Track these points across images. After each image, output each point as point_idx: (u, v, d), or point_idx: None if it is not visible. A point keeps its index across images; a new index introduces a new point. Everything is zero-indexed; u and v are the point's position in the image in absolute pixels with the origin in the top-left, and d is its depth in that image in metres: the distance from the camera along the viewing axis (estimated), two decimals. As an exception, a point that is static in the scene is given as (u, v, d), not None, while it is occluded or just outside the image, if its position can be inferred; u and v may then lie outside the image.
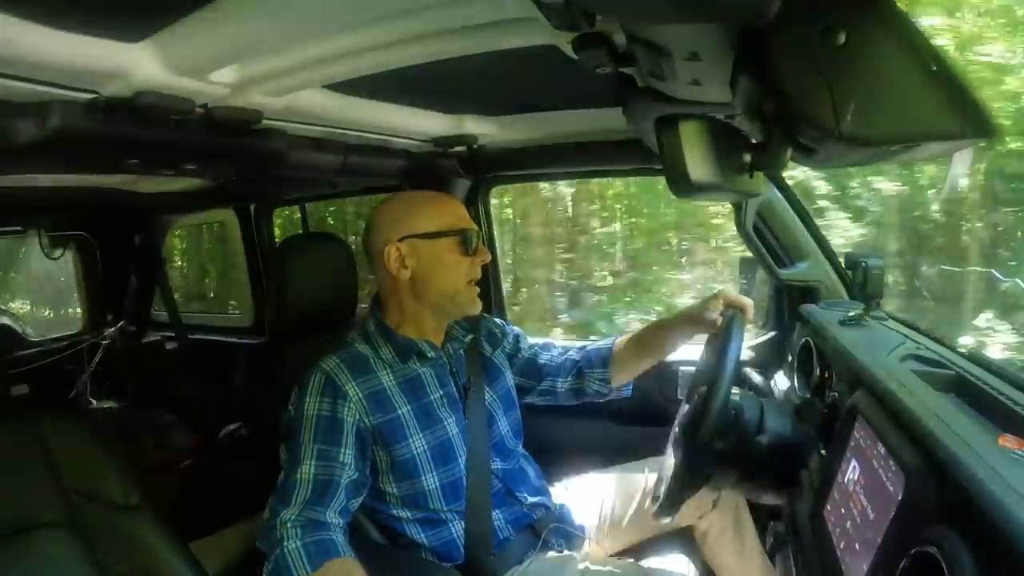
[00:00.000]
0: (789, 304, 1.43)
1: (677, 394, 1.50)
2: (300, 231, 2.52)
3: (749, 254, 1.42)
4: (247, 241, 2.26)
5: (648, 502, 1.19)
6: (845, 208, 3.10)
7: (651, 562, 1.17)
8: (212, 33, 0.70)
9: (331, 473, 0.96)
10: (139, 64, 0.75)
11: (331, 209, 4.13)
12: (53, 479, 0.88)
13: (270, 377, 1.20)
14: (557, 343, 1.33)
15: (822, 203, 3.04)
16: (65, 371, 2.39)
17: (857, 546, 0.66)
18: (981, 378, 0.76)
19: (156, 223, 2.42)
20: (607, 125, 1.27)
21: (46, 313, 4.33)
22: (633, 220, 4.11)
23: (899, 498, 0.59)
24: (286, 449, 1.00)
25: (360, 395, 1.02)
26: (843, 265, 1.33)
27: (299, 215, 2.41)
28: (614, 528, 1.22)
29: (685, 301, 3.38)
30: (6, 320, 2.52)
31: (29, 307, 4.39)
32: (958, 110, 0.47)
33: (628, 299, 3.85)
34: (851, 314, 1.11)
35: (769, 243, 1.39)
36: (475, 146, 1.44)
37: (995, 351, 2.50)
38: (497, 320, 1.29)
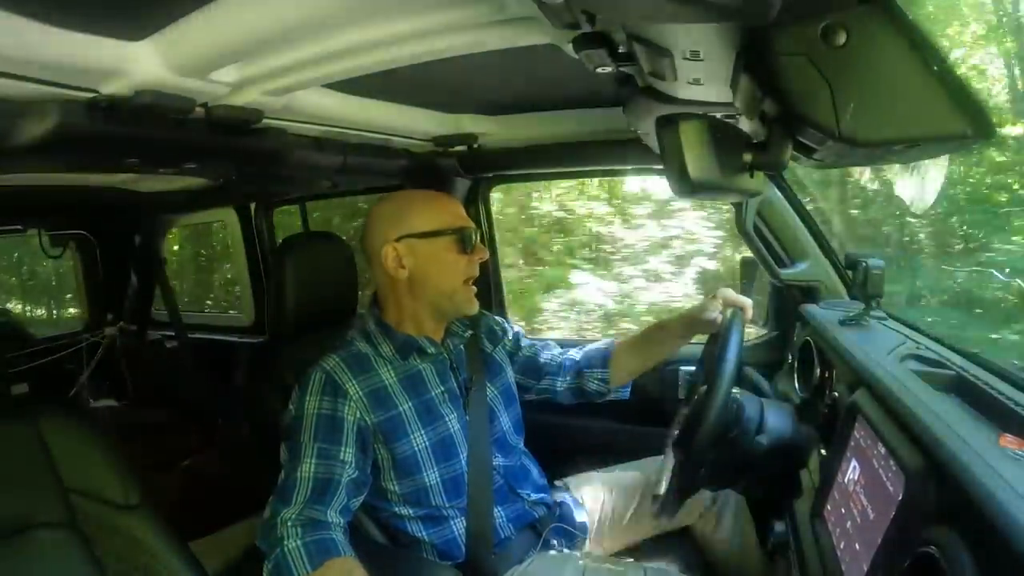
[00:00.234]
0: (789, 304, 1.43)
1: (677, 394, 1.50)
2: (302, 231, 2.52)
3: (749, 254, 1.42)
4: (247, 241, 2.26)
5: (648, 502, 1.20)
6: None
7: (651, 562, 1.17)
8: (212, 32, 0.70)
9: (332, 472, 0.96)
10: (139, 63, 0.75)
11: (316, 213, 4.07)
12: (53, 479, 0.88)
13: (270, 377, 1.20)
14: (556, 342, 1.34)
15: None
16: (65, 370, 2.39)
17: (857, 546, 0.66)
18: (981, 378, 0.76)
19: (156, 223, 2.42)
20: (607, 125, 1.27)
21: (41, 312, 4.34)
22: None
23: (899, 498, 0.59)
24: (286, 448, 1.00)
25: (361, 393, 1.02)
26: (843, 265, 1.33)
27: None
28: (614, 528, 1.22)
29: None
30: (6, 319, 2.52)
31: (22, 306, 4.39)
32: (958, 110, 0.47)
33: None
34: (851, 314, 1.11)
35: (769, 243, 1.39)
36: (475, 146, 1.44)
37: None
38: (497, 318, 1.29)
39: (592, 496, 1.24)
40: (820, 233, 1.38)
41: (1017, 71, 2.09)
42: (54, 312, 4.27)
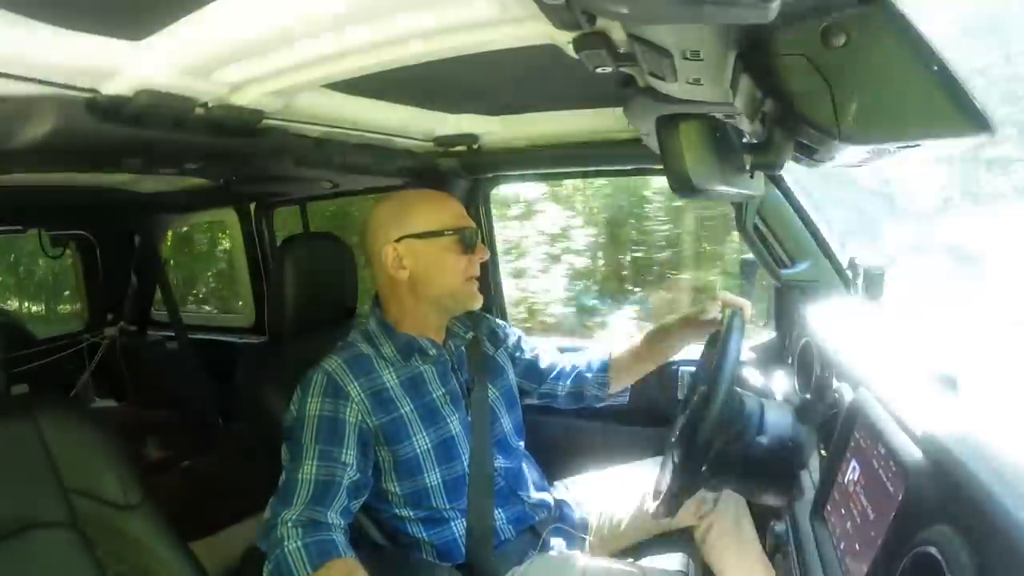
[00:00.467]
0: (789, 304, 1.43)
1: (677, 394, 1.50)
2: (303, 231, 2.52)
3: (749, 254, 1.42)
4: (247, 241, 2.26)
5: (648, 502, 1.20)
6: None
7: (651, 562, 1.17)
8: (213, 32, 0.70)
9: (332, 473, 0.96)
10: (139, 63, 0.75)
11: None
12: (53, 478, 0.88)
13: (270, 377, 1.20)
14: (556, 347, 1.34)
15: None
16: (65, 371, 2.39)
17: (857, 546, 0.66)
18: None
19: (156, 223, 2.42)
20: (607, 125, 1.27)
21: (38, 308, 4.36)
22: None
23: (899, 498, 0.59)
24: (287, 449, 1.00)
25: (362, 395, 1.02)
26: (843, 265, 1.34)
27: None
28: (614, 528, 1.22)
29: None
30: (6, 319, 2.52)
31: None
32: (958, 110, 0.47)
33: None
34: (851, 314, 1.11)
35: (769, 243, 1.39)
36: (475, 146, 1.44)
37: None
38: (499, 321, 1.29)
39: (592, 497, 1.24)
40: (820, 233, 1.38)
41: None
42: (52, 306, 4.29)
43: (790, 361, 1.28)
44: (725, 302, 1.14)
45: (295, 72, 0.82)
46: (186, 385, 2.45)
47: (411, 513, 1.06)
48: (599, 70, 0.76)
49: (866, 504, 0.67)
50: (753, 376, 1.42)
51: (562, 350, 1.32)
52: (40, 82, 0.73)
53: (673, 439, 1.08)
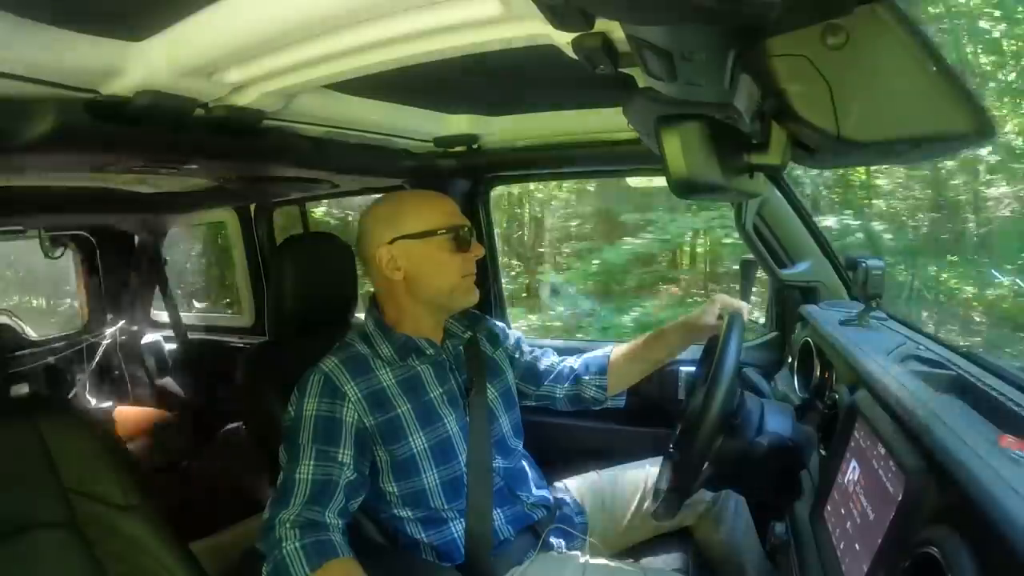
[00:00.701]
0: (789, 304, 1.43)
1: (677, 394, 1.50)
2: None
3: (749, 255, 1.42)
4: (247, 241, 2.26)
5: (648, 502, 1.20)
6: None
7: (651, 562, 1.17)
8: (213, 33, 0.70)
9: (330, 474, 0.96)
10: (140, 63, 0.75)
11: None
12: (53, 479, 0.88)
13: (270, 377, 1.20)
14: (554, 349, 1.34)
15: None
16: (65, 371, 2.40)
17: (857, 546, 0.66)
18: (981, 378, 0.76)
19: (156, 223, 2.42)
20: (607, 125, 1.27)
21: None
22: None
23: (899, 498, 0.59)
24: (285, 450, 1.00)
25: (359, 395, 1.02)
26: (843, 265, 1.34)
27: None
28: (614, 529, 1.22)
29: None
30: (5, 320, 2.52)
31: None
32: (958, 110, 0.47)
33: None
34: (851, 314, 1.11)
35: (769, 243, 1.39)
36: (475, 146, 1.44)
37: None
38: (498, 323, 1.29)
39: (592, 497, 1.24)
40: (820, 233, 1.38)
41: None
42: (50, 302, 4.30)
43: (790, 361, 1.28)
44: (724, 305, 1.15)
45: (295, 72, 0.82)
46: (186, 385, 2.45)
47: (410, 513, 1.06)
48: (599, 70, 0.76)
49: (866, 504, 0.67)
50: (753, 376, 1.42)
51: (562, 353, 1.32)
52: (40, 82, 0.73)
53: (673, 440, 1.08)
